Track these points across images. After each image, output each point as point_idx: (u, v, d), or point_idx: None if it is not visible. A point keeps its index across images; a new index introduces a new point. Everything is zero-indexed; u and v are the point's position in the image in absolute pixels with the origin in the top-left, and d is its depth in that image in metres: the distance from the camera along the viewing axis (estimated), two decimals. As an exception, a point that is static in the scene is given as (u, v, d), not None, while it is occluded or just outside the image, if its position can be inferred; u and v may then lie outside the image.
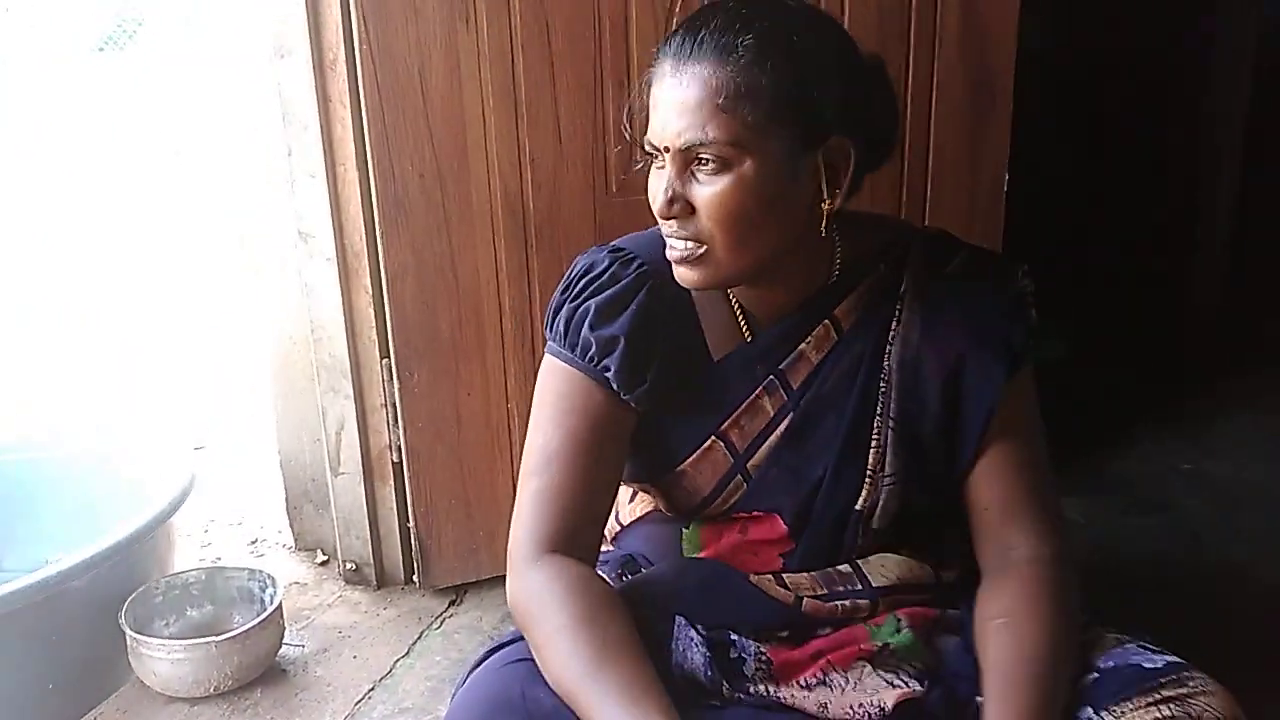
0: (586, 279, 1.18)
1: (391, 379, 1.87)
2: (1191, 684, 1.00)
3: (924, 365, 1.15)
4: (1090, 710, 1.01)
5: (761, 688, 1.08)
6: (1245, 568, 2.05)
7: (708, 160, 1.03)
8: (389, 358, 1.86)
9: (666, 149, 1.05)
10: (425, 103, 1.72)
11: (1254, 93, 3.29)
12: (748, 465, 1.18)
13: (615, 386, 1.14)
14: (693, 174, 1.05)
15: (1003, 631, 1.07)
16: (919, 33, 1.88)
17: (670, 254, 1.10)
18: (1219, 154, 3.34)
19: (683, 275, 1.11)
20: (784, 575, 1.17)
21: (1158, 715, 0.98)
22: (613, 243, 1.22)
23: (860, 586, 1.16)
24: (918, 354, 1.16)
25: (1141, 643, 1.07)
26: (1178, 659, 1.04)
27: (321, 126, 1.79)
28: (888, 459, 1.15)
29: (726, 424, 1.17)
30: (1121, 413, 2.78)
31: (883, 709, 1.03)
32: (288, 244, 1.90)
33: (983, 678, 1.05)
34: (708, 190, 1.04)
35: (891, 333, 1.16)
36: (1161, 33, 3.26)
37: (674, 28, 1.08)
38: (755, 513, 1.19)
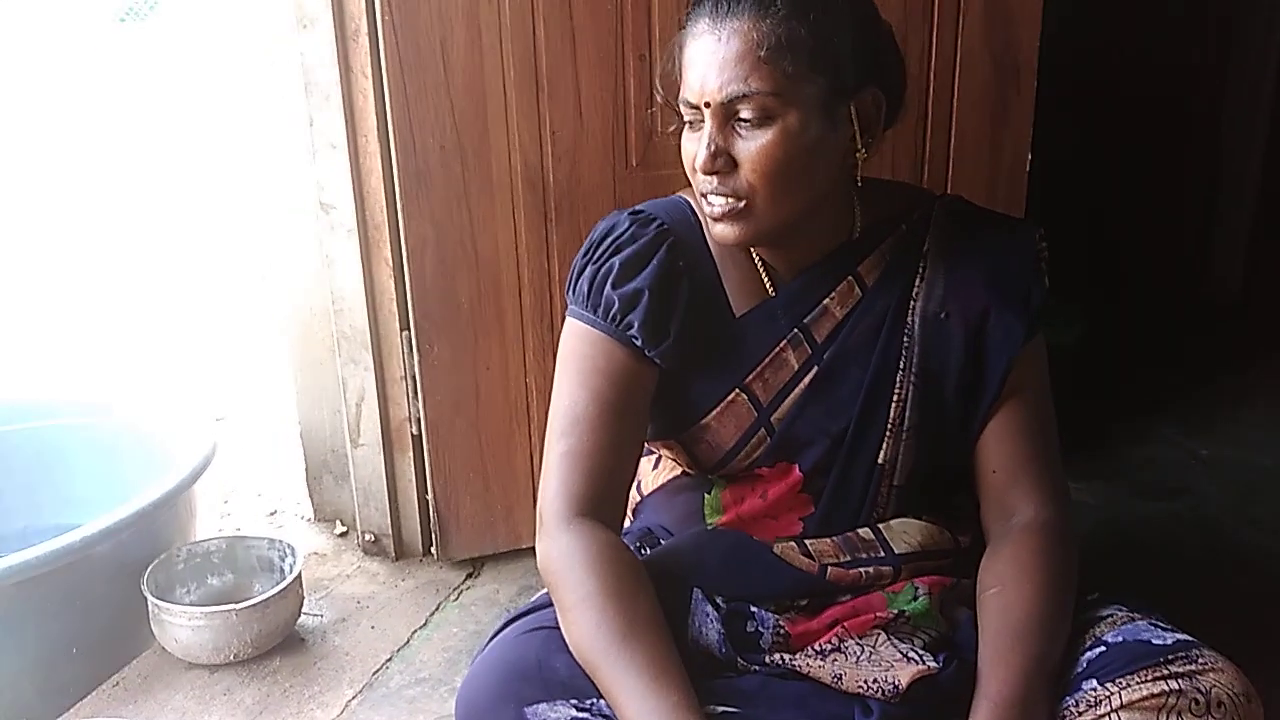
0: (608, 240, 1.19)
1: (411, 351, 1.88)
2: (1201, 661, 1.00)
3: (948, 321, 1.17)
4: (1095, 682, 1.02)
5: (776, 656, 1.09)
6: (1261, 554, 2.05)
7: (750, 113, 1.05)
8: (409, 330, 1.87)
9: (707, 104, 1.06)
10: (447, 74, 1.72)
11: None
12: (771, 418, 1.19)
13: (639, 342, 1.15)
14: (734, 129, 1.07)
15: (996, 600, 1.09)
16: (943, 11, 1.87)
17: (710, 211, 1.11)
18: (1243, 135, 3.30)
19: (722, 232, 1.11)
20: (807, 543, 1.18)
21: (1165, 689, 0.98)
22: (633, 207, 1.24)
23: (883, 554, 1.17)
24: (941, 310, 1.17)
25: (1153, 620, 1.08)
26: (1188, 637, 1.04)
27: (343, 97, 1.80)
28: (908, 413, 1.17)
29: (750, 377, 1.18)
30: (1140, 398, 2.77)
31: (896, 686, 1.03)
32: (309, 215, 1.90)
33: (979, 647, 1.06)
34: (751, 144, 1.06)
35: (915, 289, 1.18)
36: (1187, 9, 3.22)
37: None
38: (778, 464, 1.20)
